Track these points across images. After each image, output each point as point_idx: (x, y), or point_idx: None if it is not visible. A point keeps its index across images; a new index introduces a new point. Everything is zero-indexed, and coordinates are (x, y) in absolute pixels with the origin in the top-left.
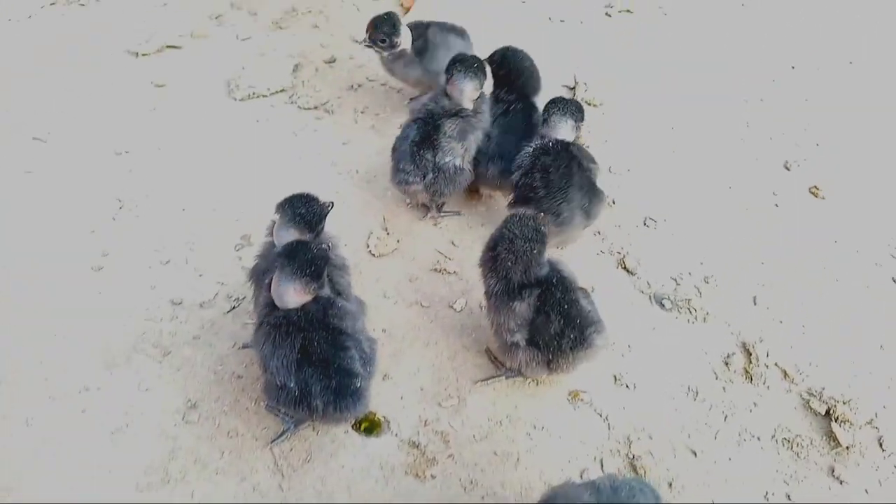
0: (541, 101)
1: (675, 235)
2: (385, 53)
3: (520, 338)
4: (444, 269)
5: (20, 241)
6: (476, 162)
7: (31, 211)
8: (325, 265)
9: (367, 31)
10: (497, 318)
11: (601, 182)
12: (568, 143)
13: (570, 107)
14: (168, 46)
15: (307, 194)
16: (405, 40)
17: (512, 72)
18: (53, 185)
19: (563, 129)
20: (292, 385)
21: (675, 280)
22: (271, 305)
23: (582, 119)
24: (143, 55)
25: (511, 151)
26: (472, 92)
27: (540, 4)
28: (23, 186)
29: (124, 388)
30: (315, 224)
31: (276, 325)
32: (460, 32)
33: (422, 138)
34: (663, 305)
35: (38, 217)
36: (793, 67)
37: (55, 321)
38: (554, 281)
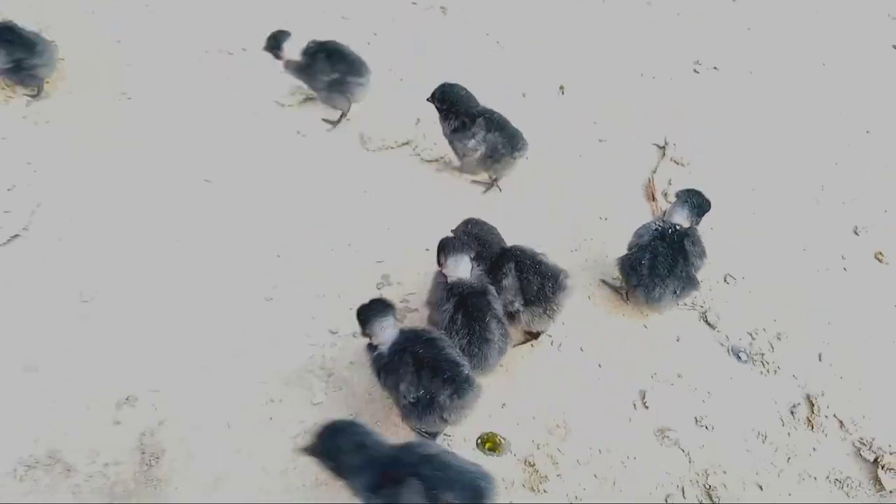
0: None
1: (751, 293)
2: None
3: (518, 304)
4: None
5: (204, 272)
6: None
7: (206, 248)
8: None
9: None
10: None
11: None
12: (686, 235)
13: (692, 198)
14: (307, 98)
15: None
16: (290, 53)
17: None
18: (222, 225)
19: (678, 216)
20: (421, 392)
21: (751, 335)
22: (373, 348)
23: (700, 212)
24: (288, 106)
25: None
26: None
27: (633, 60)
28: (195, 225)
29: (300, 402)
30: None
31: (390, 357)
32: (356, 69)
33: None
34: (739, 358)
35: (212, 253)
36: (867, 132)
37: (240, 343)
38: (518, 253)
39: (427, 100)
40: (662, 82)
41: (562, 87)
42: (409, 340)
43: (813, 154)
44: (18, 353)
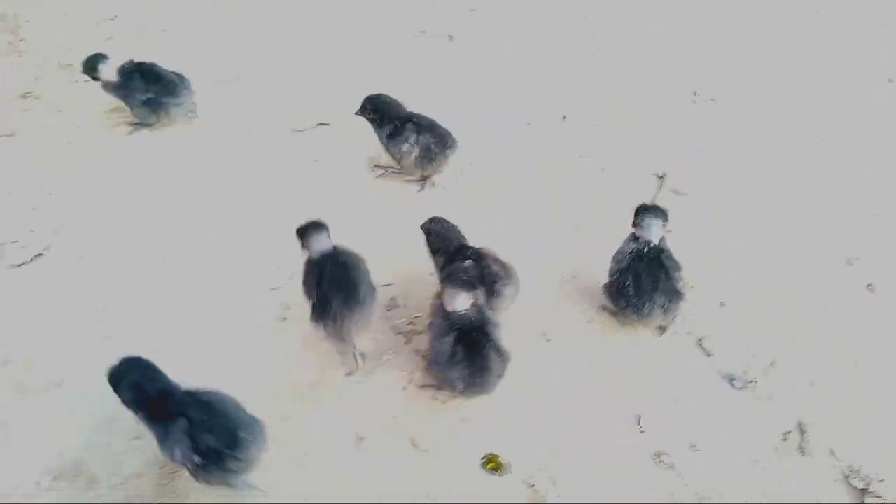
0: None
1: (746, 321)
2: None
3: None
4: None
5: (217, 295)
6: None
7: (218, 274)
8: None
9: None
10: None
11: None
12: (661, 252)
13: (658, 211)
14: (319, 124)
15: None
16: (106, 75)
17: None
18: (238, 248)
19: (654, 231)
20: (316, 301)
21: (745, 362)
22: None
23: (667, 219)
24: (300, 131)
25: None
26: None
27: (633, 91)
28: (207, 249)
29: (310, 419)
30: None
31: (313, 266)
32: (171, 89)
33: None
34: (734, 385)
35: (225, 276)
36: (863, 165)
37: (254, 361)
38: (471, 253)
39: (356, 113)
40: (662, 113)
41: (564, 117)
42: (330, 257)
43: (809, 184)
44: (43, 368)
